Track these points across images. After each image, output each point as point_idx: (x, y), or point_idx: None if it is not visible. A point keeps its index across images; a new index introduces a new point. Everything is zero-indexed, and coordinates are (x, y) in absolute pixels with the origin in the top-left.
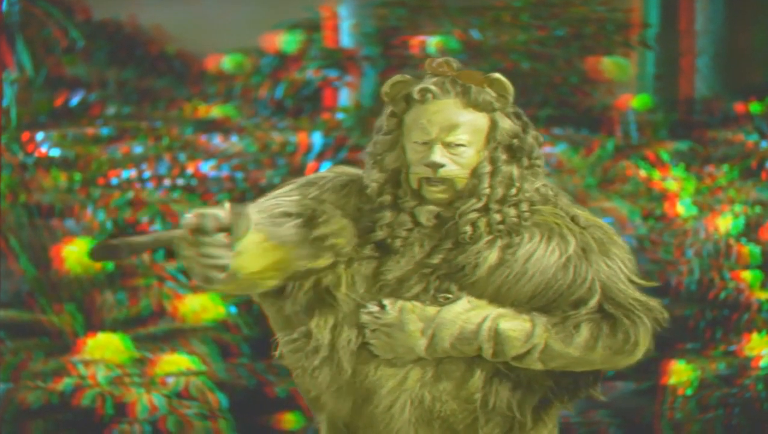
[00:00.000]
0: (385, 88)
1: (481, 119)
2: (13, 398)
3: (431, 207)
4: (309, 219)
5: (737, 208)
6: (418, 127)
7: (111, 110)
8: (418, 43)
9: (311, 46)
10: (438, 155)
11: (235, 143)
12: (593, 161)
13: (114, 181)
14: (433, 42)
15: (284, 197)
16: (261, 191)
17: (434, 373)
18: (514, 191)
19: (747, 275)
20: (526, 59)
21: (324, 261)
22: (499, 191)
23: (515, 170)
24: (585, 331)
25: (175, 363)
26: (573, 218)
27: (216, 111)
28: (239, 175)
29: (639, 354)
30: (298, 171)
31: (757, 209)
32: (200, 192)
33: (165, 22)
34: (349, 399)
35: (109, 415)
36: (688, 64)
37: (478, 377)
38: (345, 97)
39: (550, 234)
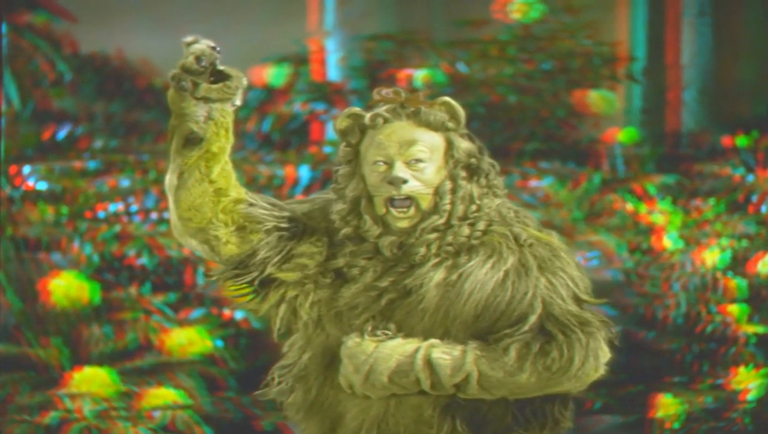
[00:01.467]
0: (338, 121)
1: (436, 138)
2: (0, 431)
3: (393, 238)
4: (297, 233)
5: (724, 241)
6: (374, 147)
7: (98, 144)
8: (405, 77)
9: (299, 79)
10: (400, 170)
11: None
12: (580, 194)
13: (101, 214)
14: (420, 75)
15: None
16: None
17: (396, 400)
18: (474, 208)
19: (734, 308)
20: (513, 93)
21: (291, 275)
22: (460, 208)
23: (475, 189)
24: (512, 352)
25: (161, 396)
26: (515, 236)
27: None
28: None
29: (576, 371)
30: None
31: (744, 243)
32: None
33: (152, 56)
34: (318, 420)
35: None
36: (674, 98)
37: (432, 407)
38: (332, 130)
39: (491, 253)
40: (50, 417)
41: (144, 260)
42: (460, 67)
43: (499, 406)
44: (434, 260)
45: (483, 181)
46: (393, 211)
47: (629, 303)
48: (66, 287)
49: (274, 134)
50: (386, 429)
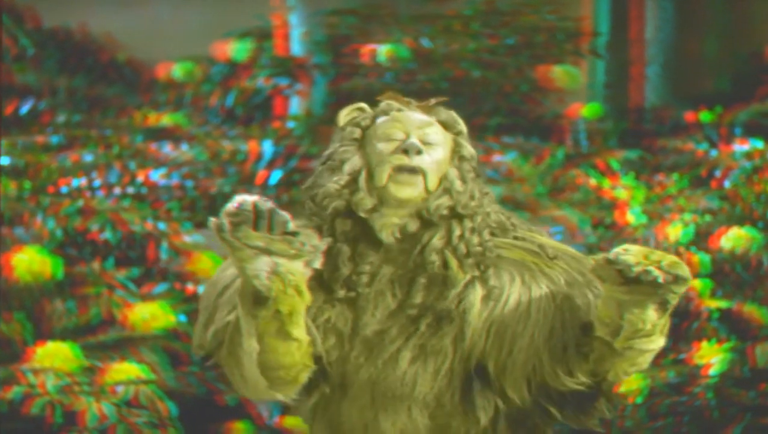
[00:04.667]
0: (344, 113)
1: (446, 135)
2: None
3: (393, 219)
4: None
5: (687, 216)
6: (391, 123)
7: (61, 118)
8: (369, 52)
9: (262, 54)
10: (416, 140)
11: (185, 151)
12: (543, 169)
13: (64, 189)
14: (383, 50)
15: None
16: (211, 199)
17: (425, 424)
18: (474, 203)
19: (697, 283)
20: (477, 68)
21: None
22: (464, 199)
23: (477, 188)
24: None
25: (124, 371)
26: (540, 247)
27: (166, 119)
28: (189, 183)
29: None
30: (249, 179)
31: (707, 218)
32: (150, 200)
33: (115, 31)
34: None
35: (58, 424)
36: (638, 73)
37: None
38: (295, 105)
39: (531, 274)
40: (13, 391)
41: (107, 234)
42: (423, 42)
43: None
44: (464, 279)
45: (484, 189)
46: (398, 177)
47: None
48: (28, 261)
49: (238, 109)
50: None
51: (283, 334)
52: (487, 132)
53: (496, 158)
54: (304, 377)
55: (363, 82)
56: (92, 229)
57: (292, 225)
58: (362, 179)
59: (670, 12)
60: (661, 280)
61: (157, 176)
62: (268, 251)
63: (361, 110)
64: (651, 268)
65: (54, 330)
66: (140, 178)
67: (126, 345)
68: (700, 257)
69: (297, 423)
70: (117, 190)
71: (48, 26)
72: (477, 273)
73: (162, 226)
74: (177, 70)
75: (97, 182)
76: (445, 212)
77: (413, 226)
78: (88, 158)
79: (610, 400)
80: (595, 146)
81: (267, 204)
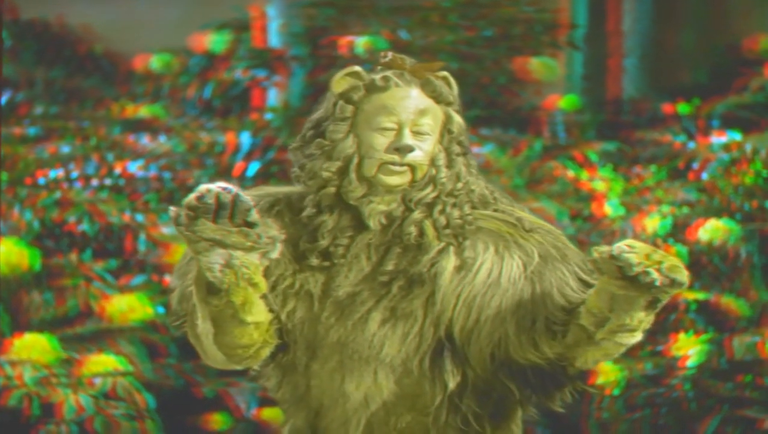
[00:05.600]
0: (337, 78)
1: (438, 111)
2: None
3: (383, 207)
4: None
5: (665, 208)
6: (384, 111)
7: (38, 110)
8: (347, 43)
9: (240, 46)
10: (409, 138)
11: (163, 143)
12: (521, 161)
13: (41, 181)
14: (361, 42)
15: None
16: (189, 191)
17: (390, 388)
18: (460, 185)
19: None
20: (454, 59)
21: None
22: (450, 185)
23: (463, 167)
24: None
25: (102, 363)
26: (518, 220)
27: (144, 111)
28: (167, 175)
29: None
30: (227, 171)
31: (685, 210)
32: (128, 192)
33: (93, 22)
34: (304, 412)
35: (35, 416)
36: (615, 65)
37: (431, 397)
38: (273, 97)
39: (499, 241)
40: None
41: (84, 226)
42: (401, 34)
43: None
44: (438, 245)
45: (470, 160)
46: (387, 168)
47: None
48: (6, 253)
49: (215, 101)
50: (379, 421)
51: (237, 320)
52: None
53: (474, 149)
54: (266, 352)
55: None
56: (70, 221)
57: (254, 213)
58: (353, 168)
59: (648, 4)
60: (658, 283)
61: (134, 167)
62: (223, 244)
63: (356, 75)
64: (651, 270)
65: (31, 322)
66: (118, 169)
67: (103, 337)
68: (677, 249)
69: (274, 415)
70: (95, 182)
71: (25, 18)
72: (453, 243)
73: (140, 218)
74: (154, 62)
75: (75, 174)
76: (428, 201)
77: (398, 211)
78: (66, 149)
79: (575, 386)
80: (573, 137)
81: (229, 192)
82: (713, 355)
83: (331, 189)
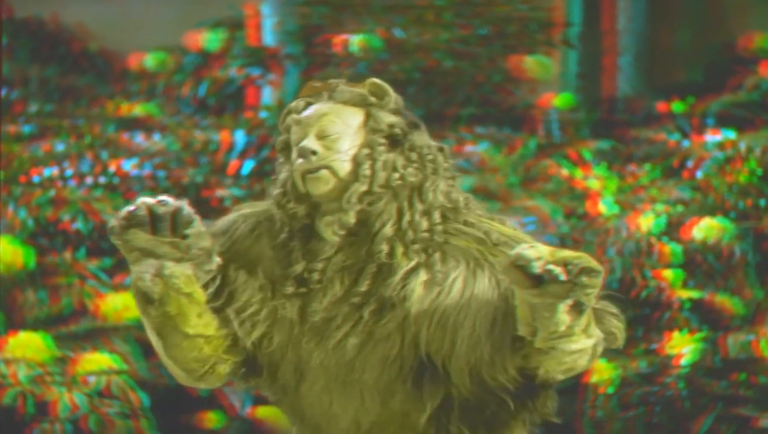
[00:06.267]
0: (283, 114)
1: (354, 113)
2: None
3: (327, 217)
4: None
5: (659, 207)
6: (295, 131)
7: (33, 108)
8: (341, 42)
9: (234, 44)
10: (308, 141)
11: (157, 141)
12: (516, 159)
13: (36, 179)
14: (356, 40)
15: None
16: (183, 189)
17: (383, 407)
18: (396, 176)
19: (668, 273)
20: (449, 58)
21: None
22: (381, 176)
23: (399, 159)
24: None
25: (96, 361)
26: (487, 235)
27: (138, 109)
28: (161, 173)
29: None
30: (221, 169)
31: (679, 208)
32: (122, 190)
33: (88, 20)
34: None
35: (30, 414)
36: (610, 63)
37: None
38: (268, 95)
39: (468, 260)
40: None
41: (79, 224)
42: (396, 32)
43: (493, 401)
44: (406, 265)
45: (413, 155)
46: (307, 178)
47: None
48: (0, 251)
49: (210, 99)
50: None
51: (180, 332)
52: (459, 122)
53: (469, 148)
54: (225, 369)
55: (335, 72)
56: (64, 219)
57: (196, 225)
58: (290, 191)
59: (643, 2)
60: (563, 278)
61: (129, 166)
62: (153, 254)
63: (289, 110)
64: (552, 266)
65: (26, 320)
66: (112, 168)
67: (98, 335)
68: (671, 248)
69: (269, 413)
70: (89, 180)
71: (20, 16)
72: (423, 258)
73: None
74: (149, 60)
75: (69, 172)
76: (354, 199)
77: (349, 217)
78: (60, 147)
79: (549, 396)
80: (568, 136)
81: (165, 205)
82: (707, 353)
83: (283, 213)
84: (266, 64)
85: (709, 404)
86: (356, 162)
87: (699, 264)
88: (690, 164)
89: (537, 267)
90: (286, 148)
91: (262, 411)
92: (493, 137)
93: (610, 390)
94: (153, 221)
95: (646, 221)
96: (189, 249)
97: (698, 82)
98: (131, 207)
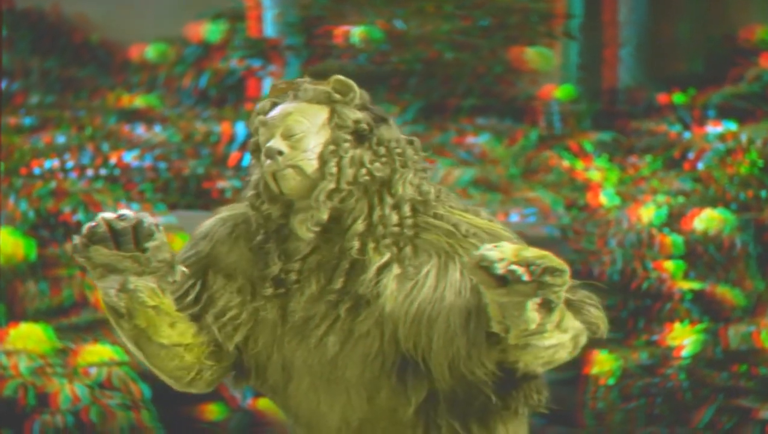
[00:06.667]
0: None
1: (318, 110)
2: None
3: (299, 215)
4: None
5: (660, 198)
6: (262, 133)
7: (34, 99)
8: (342, 33)
9: (235, 35)
10: (274, 142)
11: (158, 132)
12: (517, 151)
13: (37, 171)
14: (356, 32)
15: (183, 254)
16: (184, 180)
17: (370, 404)
18: (364, 171)
19: (669, 265)
20: (450, 49)
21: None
22: (349, 172)
23: (366, 154)
24: None
25: (97, 353)
26: (456, 227)
27: (139, 101)
28: (162, 165)
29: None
30: (222, 161)
31: (680, 199)
32: (123, 182)
33: (88, 12)
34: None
35: (31, 405)
36: (611, 55)
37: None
38: (269, 86)
39: (439, 254)
40: None
41: (80, 216)
42: (396, 23)
43: (480, 394)
44: (378, 261)
45: (380, 149)
46: (277, 177)
47: (565, 260)
48: (1, 243)
49: (211, 90)
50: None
51: (155, 343)
52: (460, 114)
53: (470, 139)
54: (212, 375)
55: (336, 63)
56: (65, 210)
57: (158, 237)
58: (263, 192)
59: None
60: (526, 278)
61: (129, 157)
62: (116, 269)
63: (267, 102)
64: (515, 267)
65: (27, 312)
66: (113, 159)
67: (99, 327)
68: (672, 239)
69: (270, 405)
70: (90, 171)
71: (21, 7)
72: (394, 252)
73: (135, 207)
74: (150, 52)
75: (70, 164)
76: (323, 197)
77: (323, 214)
78: (61, 139)
79: (533, 387)
80: (569, 127)
81: (125, 219)
82: (708, 345)
83: (258, 215)
84: (267, 56)
85: (710, 395)
86: (322, 160)
87: (700, 255)
88: (691, 155)
89: (500, 268)
90: (257, 150)
91: (264, 403)
92: (495, 129)
93: (611, 381)
94: (114, 237)
95: (647, 213)
96: (149, 262)
97: (699, 73)
98: (92, 223)
